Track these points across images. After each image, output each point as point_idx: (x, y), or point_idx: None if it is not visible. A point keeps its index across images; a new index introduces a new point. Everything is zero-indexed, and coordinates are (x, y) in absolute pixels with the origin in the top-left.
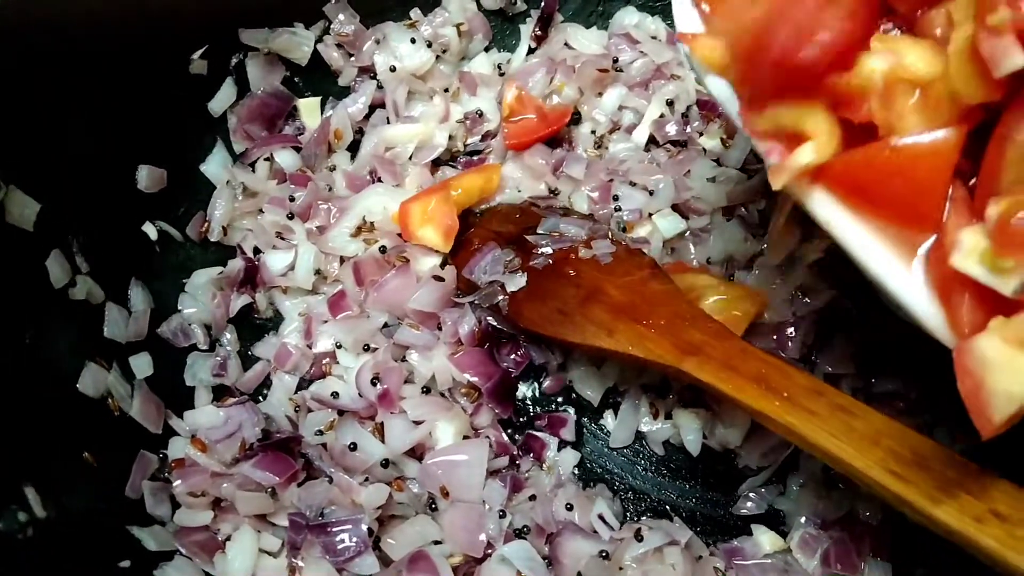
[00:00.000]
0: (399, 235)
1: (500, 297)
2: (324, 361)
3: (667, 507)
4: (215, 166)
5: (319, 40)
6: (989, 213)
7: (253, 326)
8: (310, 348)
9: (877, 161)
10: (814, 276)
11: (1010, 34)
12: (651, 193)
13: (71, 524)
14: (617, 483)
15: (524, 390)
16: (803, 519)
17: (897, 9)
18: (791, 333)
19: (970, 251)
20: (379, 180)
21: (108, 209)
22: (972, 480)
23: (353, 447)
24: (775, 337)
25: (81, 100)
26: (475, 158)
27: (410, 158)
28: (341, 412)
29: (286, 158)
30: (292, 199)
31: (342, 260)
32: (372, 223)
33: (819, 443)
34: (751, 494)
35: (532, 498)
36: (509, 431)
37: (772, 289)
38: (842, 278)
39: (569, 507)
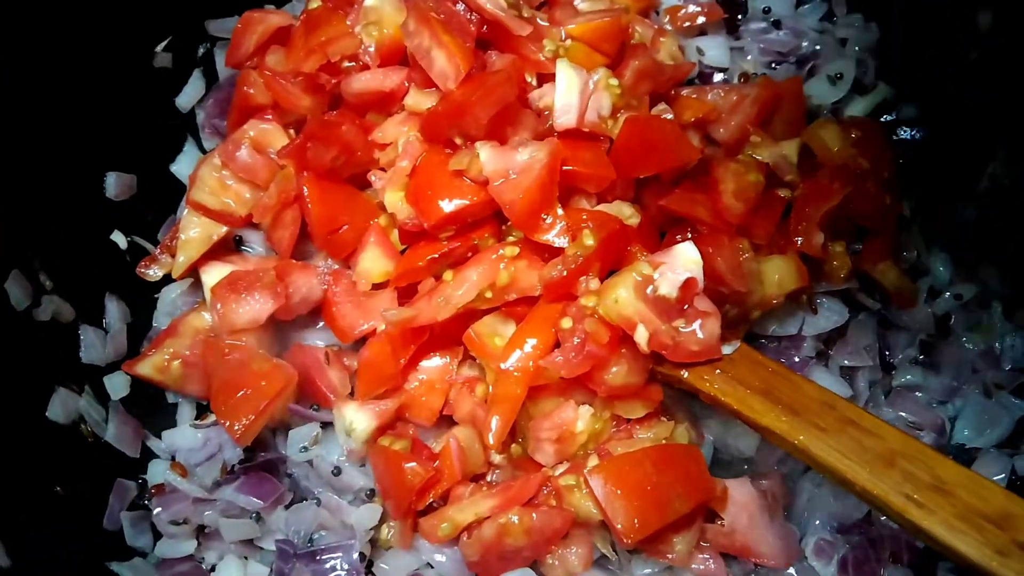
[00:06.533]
0: None
1: None
2: None
3: None
4: (185, 166)
5: None
6: None
7: None
8: None
9: None
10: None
11: None
12: None
13: (43, 568)
14: None
15: None
16: (818, 523)
17: None
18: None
19: None
20: None
21: (73, 221)
22: (996, 507)
23: (337, 472)
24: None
25: (39, 103)
26: None
27: None
28: (324, 425)
29: None
30: None
31: None
32: None
33: (829, 463)
34: None
35: None
36: None
37: None
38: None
39: None
